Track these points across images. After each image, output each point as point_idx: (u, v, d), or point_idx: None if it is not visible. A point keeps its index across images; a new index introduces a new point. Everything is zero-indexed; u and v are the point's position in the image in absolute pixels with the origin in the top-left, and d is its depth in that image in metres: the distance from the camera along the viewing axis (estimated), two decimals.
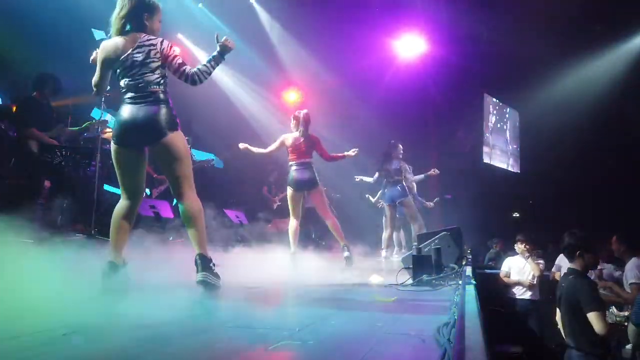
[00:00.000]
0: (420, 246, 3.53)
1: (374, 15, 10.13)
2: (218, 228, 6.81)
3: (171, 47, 2.89)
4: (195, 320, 2.02)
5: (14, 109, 5.22)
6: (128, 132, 2.79)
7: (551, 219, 12.26)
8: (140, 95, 2.78)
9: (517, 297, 6.27)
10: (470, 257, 5.07)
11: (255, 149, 5.28)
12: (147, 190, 6.91)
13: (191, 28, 9.26)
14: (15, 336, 1.59)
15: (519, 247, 6.40)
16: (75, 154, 4.92)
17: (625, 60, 11.71)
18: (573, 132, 12.14)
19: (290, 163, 5.19)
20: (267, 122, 11.13)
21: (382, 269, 5.19)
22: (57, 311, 2.00)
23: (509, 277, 6.41)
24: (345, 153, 5.36)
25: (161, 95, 2.82)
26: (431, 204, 8.71)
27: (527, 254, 6.27)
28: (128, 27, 2.88)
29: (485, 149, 14.05)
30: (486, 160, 14.02)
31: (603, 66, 11.86)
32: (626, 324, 4.88)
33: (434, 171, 7.59)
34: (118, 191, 3.09)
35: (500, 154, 14.80)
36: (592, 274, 4.84)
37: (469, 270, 3.69)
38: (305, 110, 5.37)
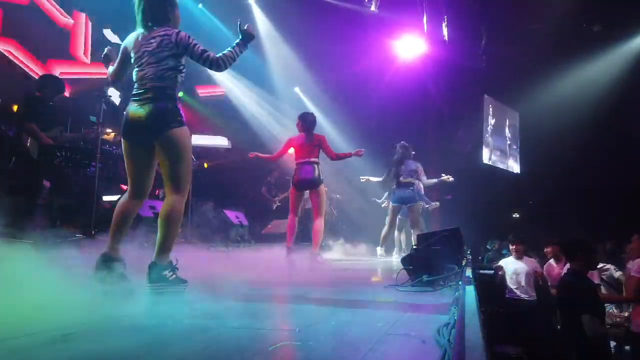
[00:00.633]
0: (420, 247, 3.53)
1: (374, 16, 10.13)
2: (218, 228, 6.82)
3: (189, 36, 2.83)
4: (195, 321, 2.02)
5: (16, 107, 5.25)
6: (130, 127, 2.77)
7: (551, 219, 12.27)
8: (143, 89, 2.76)
9: (517, 297, 6.27)
10: (470, 257, 5.07)
11: (264, 156, 5.42)
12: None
13: (191, 28, 9.26)
14: (15, 336, 1.59)
15: (511, 247, 6.45)
16: (75, 154, 4.93)
17: (624, 61, 11.72)
18: (573, 133, 12.15)
19: (296, 162, 5.24)
20: (267, 122, 11.14)
21: (381, 269, 5.20)
22: (57, 311, 2.00)
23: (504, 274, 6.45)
24: (352, 152, 5.39)
25: (165, 90, 2.76)
26: (436, 204, 8.73)
27: (518, 255, 6.32)
28: (151, 21, 2.85)
29: (485, 150, 14.06)
30: (486, 160, 14.03)
31: (602, 67, 11.87)
32: (626, 324, 4.88)
33: (448, 178, 7.55)
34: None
35: (500, 155, 14.80)
36: (593, 275, 4.82)
37: (468, 270, 3.69)
38: (309, 112, 5.48)
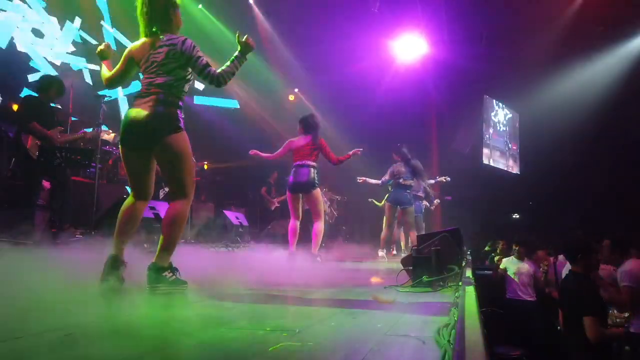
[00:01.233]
0: (419, 247, 3.52)
1: (374, 16, 10.14)
2: (218, 229, 6.81)
3: (194, 46, 2.81)
4: (195, 321, 2.02)
5: (16, 107, 5.26)
6: (127, 134, 2.76)
7: (551, 220, 12.27)
8: (147, 95, 2.75)
9: (517, 298, 6.28)
10: (470, 258, 5.07)
11: (264, 154, 5.38)
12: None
13: (191, 28, 9.27)
14: (16, 337, 1.59)
15: (514, 249, 6.51)
16: (74, 155, 4.93)
17: (624, 62, 11.73)
18: (573, 134, 12.15)
19: (293, 164, 5.24)
20: (267, 123, 11.13)
21: (381, 270, 5.19)
22: (58, 312, 2.00)
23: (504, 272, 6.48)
24: (350, 153, 5.38)
25: (169, 97, 2.75)
26: (437, 201, 8.78)
27: (520, 255, 6.37)
28: (155, 25, 2.84)
29: (485, 150, 14.06)
30: (486, 161, 14.03)
31: (602, 68, 11.88)
32: (626, 325, 4.87)
33: (444, 179, 7.61)
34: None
35: (499, 155, 14.80)
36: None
37: (468, 271, 3.69)
38: (311, 113, 5.46)
